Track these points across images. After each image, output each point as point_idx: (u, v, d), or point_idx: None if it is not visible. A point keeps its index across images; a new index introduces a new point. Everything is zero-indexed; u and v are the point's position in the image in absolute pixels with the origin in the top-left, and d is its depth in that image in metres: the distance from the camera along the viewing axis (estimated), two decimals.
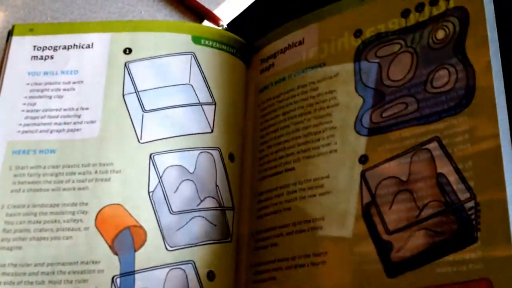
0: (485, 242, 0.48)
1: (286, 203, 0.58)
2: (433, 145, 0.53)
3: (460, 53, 0.55)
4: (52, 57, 0.65)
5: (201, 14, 0.74)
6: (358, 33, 0.61)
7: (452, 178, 0.51)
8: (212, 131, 0.62)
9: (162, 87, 0.64)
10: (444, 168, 0.52)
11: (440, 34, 0.56)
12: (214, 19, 0.74)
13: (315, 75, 0.62)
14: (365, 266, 0.52)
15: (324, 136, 0.59)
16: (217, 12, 0.74)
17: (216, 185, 0.60)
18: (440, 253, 0.49)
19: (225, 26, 0.74)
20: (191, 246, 0.57)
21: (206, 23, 0.74)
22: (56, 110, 0.63)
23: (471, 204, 0.50)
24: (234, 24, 0.75)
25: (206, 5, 0.74)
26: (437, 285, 0.49)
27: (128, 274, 0.56)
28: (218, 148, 0.62)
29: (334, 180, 0.57)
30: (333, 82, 0.61)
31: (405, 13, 0.59)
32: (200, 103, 0.63)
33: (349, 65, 0.60)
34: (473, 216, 0.49)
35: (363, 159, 0.56)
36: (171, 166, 0.60)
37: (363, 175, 0.55)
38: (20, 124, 0.62)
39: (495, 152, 0.50)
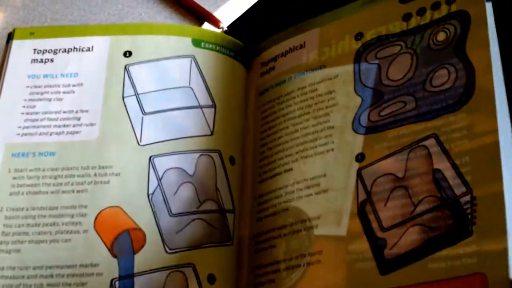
0: (480, 236, 0.47)
1: (284, 203, 0.58)
2: (430, 142, 0.53)
3: (461, 54, 0.55)
4: (52, 60, 0.65)
5: (201, 16, 0.74)
6: (359, 36, 0.61)
7: (449, 173, 0.51)
8: (212, 133, 0.62)
9: (162, 89, 0.64)
10: (441, 164, 0.52)
11: (441, 36, 0.56)
12: (214, 22, 0.73)
13: (315, 77, 0.62)
14: (359, 264, 0.52)
15: (322, 135, 0.59)
16: (217, 14, 0.74)
17: (217, 188, 0.60)
18: (434, 248, 0.49)
19: (225, 28, 0.73)
20: (191, 249, 0.57)
21: (206, 25, 0.73)
22: (56, 112, 0.63)
23: (467, 198, 0.49)
24: (234, 27, 0.75)
25: (206, 7, 0.74)
26: (430, 281, 0.48)
27: (127, 277, 0.55)
28: (218, 150, 0.61)
29: (331, 179, 0.56)
30: (333, 83, 0.61)
31: (406, 17, 0.59)
32: (200, 105, 0.63)
33: (349, 67, 0.60)
34: (468, 210, 0.49)
35: (359, 157, 0.56)
36: (171, 168, 0.60)
37: (359, 173, 0.55)
38: (20, 127, 0.62)
39: (493, 147, 0.50)
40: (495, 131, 0.50)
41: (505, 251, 0.46)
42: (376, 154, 0.55)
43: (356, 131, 0.57)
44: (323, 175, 0.57)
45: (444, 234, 0.49)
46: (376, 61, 0.59)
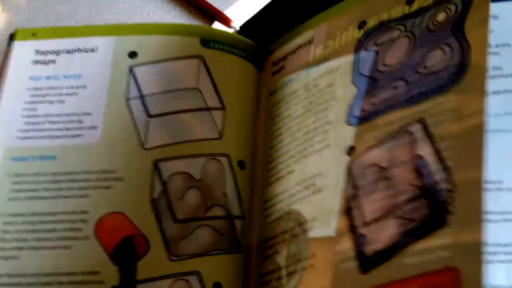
0: (456, 226, 0.44)
1: (287, 207, 0.56)
2: (416, 127, 0.50)
3: (459, 32, 0.52)
4: (54, 62, 0.65)
5: (212, 15, 0.73)
6: (362, 24, 0.59)
7: (430, 159, 0.48)
8: (220, 137, 0.61)
9: (168, 91, 0.63)
10: (424, 149, 0.49)
11: (441, 16, 0.53)
12: (225, 21, 0.72)
13: (318, 72, 0.60)
14: (343, 265, 0.50)
15: (320, 132, 0.57)
16: (228, 13, 0.73)
17: (225, 193, 0.58)
18: (408, 242, 0.46)
19: (237, 28, 0.72)
20: (196, 256, 0.56)
21: (216, 24, 0.72)
22: (57, 115, 0.62)
23: (446, 185, 0.46)
24: (246, 26, 0.73)
25: (217, 6, 0.73)
26: (403, 278, 0.45)
27: (129, 284, 0.55)
28: (227, 154, 0.60)
29: (325, 177, 0.55)
30: (333, 76, 0.59)
31: (410, 0, 0.57)
32: (208, 108, 0.62)
33: (350, 57, 0.58)
34: (446, 199, 0.46)
35: (350, 151, 0.54)
36: (176, 173, 0.59)
37: (348, 167, 0.53)
38: (20, 130, 0.61)
39: (479, 128, 0.46)
40: (481, 111, 0.46)
41: (479, 243, 0.43)
42: (365, 146, 0.53)
43: (349, 123, 0.55)
44: (319, 173, 0.55)
45: (419, 226, 0.46)
46: (375, 48, 0.57)
